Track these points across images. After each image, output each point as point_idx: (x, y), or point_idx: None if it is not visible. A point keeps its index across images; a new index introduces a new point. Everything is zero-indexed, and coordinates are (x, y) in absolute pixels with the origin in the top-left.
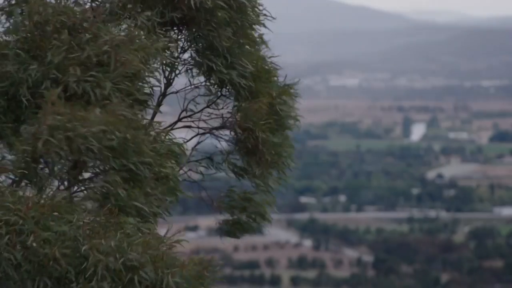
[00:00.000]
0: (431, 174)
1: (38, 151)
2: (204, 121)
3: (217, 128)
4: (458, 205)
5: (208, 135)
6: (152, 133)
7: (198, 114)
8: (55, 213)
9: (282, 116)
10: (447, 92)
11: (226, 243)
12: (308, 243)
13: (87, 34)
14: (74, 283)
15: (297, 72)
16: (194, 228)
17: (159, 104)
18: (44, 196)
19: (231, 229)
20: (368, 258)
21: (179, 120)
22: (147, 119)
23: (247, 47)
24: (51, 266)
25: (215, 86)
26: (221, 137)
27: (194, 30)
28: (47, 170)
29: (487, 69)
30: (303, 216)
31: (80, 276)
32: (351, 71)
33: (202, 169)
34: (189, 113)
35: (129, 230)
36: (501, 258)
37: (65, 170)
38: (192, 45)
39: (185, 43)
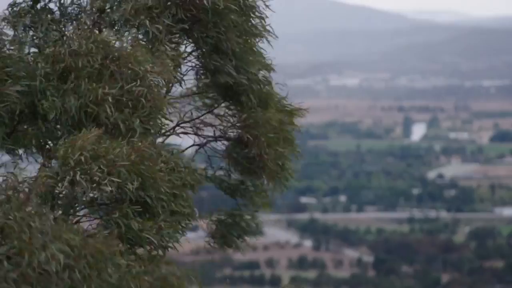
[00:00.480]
0: (431, 174)
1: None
2: (198, 130)
3: (215, 139)
4: (459, 205)
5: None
6: (170, 161)
7: (196, 120)
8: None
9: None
10: (447, 92)
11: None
12: (308, 243)
13: (123, 68)
14: None
15: (298, 72)
16: (194, 229)
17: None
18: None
19: (220, 241)
20: (368, 258)
21: (177, 125)
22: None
23: (250, 57)
24: None
25: (217, 93)
26: (216, 150)
27: (201, 31)
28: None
29: (488, 69)
30: (303, 216)
31: None
32: (351, 71)
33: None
34: (188, 118)
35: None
36: (502, 259)
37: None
38: (198, 48)
39: (190, 47)
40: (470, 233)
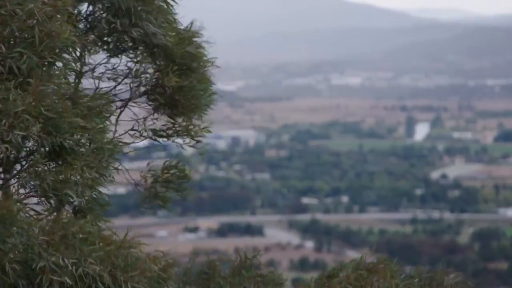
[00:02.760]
0: (435, 175)
1: None
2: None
3: (136, 97)
4: (463, 206)
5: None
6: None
7: (119, 88)
8: (7, 218)
9: (192, 56)
10: (451, 91)
11: (226, 244)
12: (310, 244)
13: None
14: None
15: (299, 71)
16: (194, 230)
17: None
18: None
19: (152, 203)
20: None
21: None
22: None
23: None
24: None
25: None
26: (142, 107)
27: None
28: None
29: (492, 68)
30: (305, 217)
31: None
32: (353, 70)
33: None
34: (108, 88)
35: (86, 234)
36: (506, 260)
37: None
38: (94, 7)
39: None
40: (474, 234)
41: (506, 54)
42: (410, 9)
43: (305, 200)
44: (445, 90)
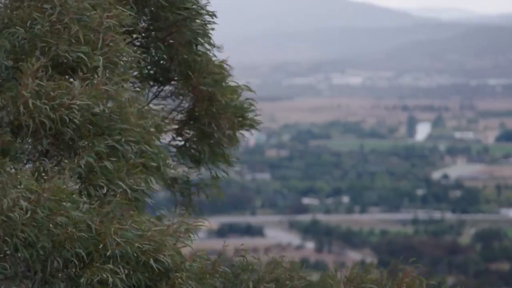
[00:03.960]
0: (436, 175)
1: (20, 119)
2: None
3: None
4: (464, 206)
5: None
6: (137, 105)
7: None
8: (66, 198)
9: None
10: (452, 90)
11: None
12: (310, 245)
13: (72, 15)
14: (82, 266)
15: (300, 71)
16: (194, 230)
17: None
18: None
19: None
20: (372, 260)
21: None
22: (131, 91)
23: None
24: (63, 247)
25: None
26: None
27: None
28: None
29: (494, 67)
30: (305, 218)
31: (93, 259)
32: (354, 69)
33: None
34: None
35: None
36: (508, 261)
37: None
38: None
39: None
40: (475, 235)
41: (508, 54)
42: (411, 8)
43: (306, 200)
44: (446, 90)
